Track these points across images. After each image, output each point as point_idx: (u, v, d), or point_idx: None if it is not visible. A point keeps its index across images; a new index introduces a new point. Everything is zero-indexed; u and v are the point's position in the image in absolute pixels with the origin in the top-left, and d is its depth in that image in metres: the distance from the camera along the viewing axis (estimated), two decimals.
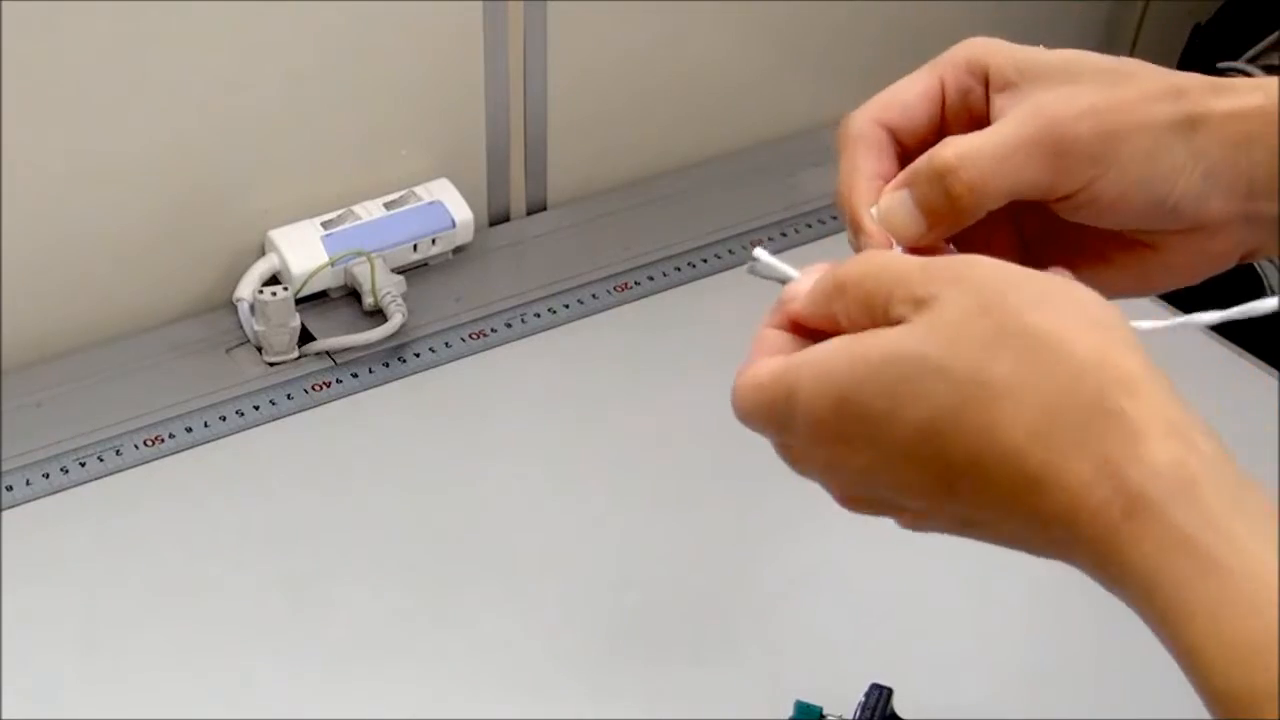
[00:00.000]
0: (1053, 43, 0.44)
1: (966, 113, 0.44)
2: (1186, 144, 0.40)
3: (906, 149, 0.45)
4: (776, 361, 0.39)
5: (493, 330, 0.84)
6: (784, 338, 0.41)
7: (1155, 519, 0.32)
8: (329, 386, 0.79)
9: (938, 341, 0.36)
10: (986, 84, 0.44)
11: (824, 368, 0.37)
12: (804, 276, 0.41)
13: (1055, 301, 0.36)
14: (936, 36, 1.17)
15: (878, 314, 0.37)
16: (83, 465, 0.73)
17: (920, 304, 0.36)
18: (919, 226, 0.42)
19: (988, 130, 0.41)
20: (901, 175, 0.42)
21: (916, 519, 0.39)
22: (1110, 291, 0.43)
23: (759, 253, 0.44)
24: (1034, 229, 0.46)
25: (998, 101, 0.43)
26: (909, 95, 0.45)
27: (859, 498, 0.40)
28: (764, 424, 0.40)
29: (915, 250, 0.42)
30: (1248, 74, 1.09)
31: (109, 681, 0.63)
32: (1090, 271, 0.43)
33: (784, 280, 0.42)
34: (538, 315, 0.85)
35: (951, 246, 0.44)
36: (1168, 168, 0.40)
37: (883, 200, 0.43)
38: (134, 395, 0.77)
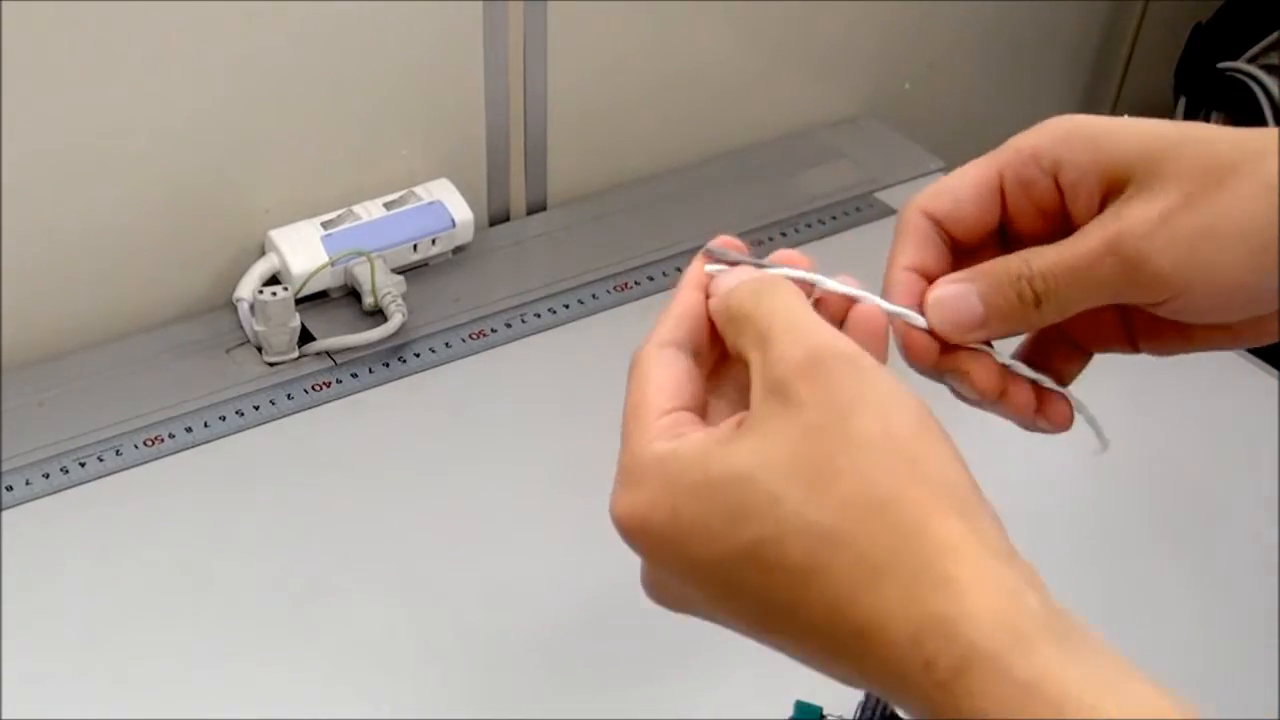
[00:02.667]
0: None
1: (1032, 206, 0.42)
2: None
3: (957, 240, 0.43)
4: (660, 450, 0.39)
5: (493, 330, 0.84)
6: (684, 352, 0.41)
7: (991, 671, 0.31)
8: (329, 386, 0.79)
9: (775, 466, 0.35)
10: (1055, 178, 0.42)
11: (676, 468, 0.37)
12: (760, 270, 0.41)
13: (894, 448, 0.34)
14: (937, 36, 1.18)
15: (741, 356, 0.38)
16: (83, 465, 0.73)
17: (772, 392, 0.36)
18: (975, 320, 0.41)
19: (1066, 248, 0.40)
20: (968, 270, 0.41)
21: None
22: (1217, 347, 0.42)
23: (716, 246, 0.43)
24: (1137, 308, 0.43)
25: (1077, 202, 0.41)
26: (960, 185, 0.43)
27: (666, 596, 0.40)
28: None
29: (955, 347, 0.41)
30: (1248, 74, 1.09)
31: (109, 681, 0.63)
32: (1209, 337, 0.42)
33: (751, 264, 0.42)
34: (538, 315, 0.85)
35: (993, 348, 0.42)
36: (1267, 268, 0.38)
37: (940, 289, 0.41)
38: (134, 395, 0.77)
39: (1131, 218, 0.39)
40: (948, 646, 0.32)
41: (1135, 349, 0.44)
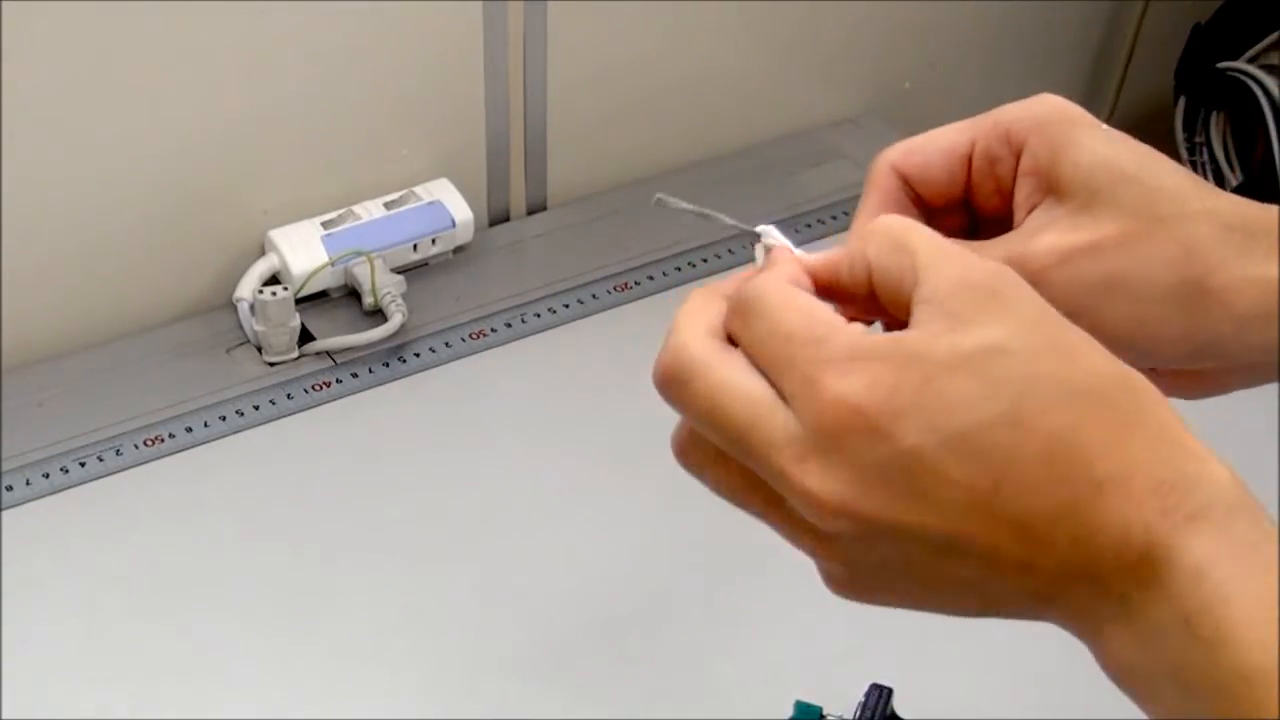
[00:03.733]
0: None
1: (993, 180, 0.43)
2: (1184, 316, 0.40)
3: (924, 200, 0.44)
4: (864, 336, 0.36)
5: (493, 330, 0.84)
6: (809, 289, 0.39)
7: (1219, 523, 0.33)
8: (329, 386, 0.79)
9: (1023, 338, 0.35)
10: (1017, 158, 0.42)
11: (914, 347, 0.35)
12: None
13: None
14: (938, 36, 1.18)
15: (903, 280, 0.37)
16: (83, 465, 0.73)
17: (973, 291, 0.36)
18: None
19: (975, 249, 0.40)
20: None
21: (878, 548, 0.37)
22: (1189, 394, 0.44)
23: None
24: None
25: (1019, 193, 0.42)
26: (933, 149, 0.43)
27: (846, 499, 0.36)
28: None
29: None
30: (1248, 74, 1.09)
31: (109, 681, 0.63)
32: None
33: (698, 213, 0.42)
34: (538, 315, 0.85)
35: None
36: (1156, 336, 0.40)
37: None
38: (134, 395, 0.77)
39: (1042, 244, 0.40)
40: (1185, 499, 0.33)
41: None
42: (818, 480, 0.36)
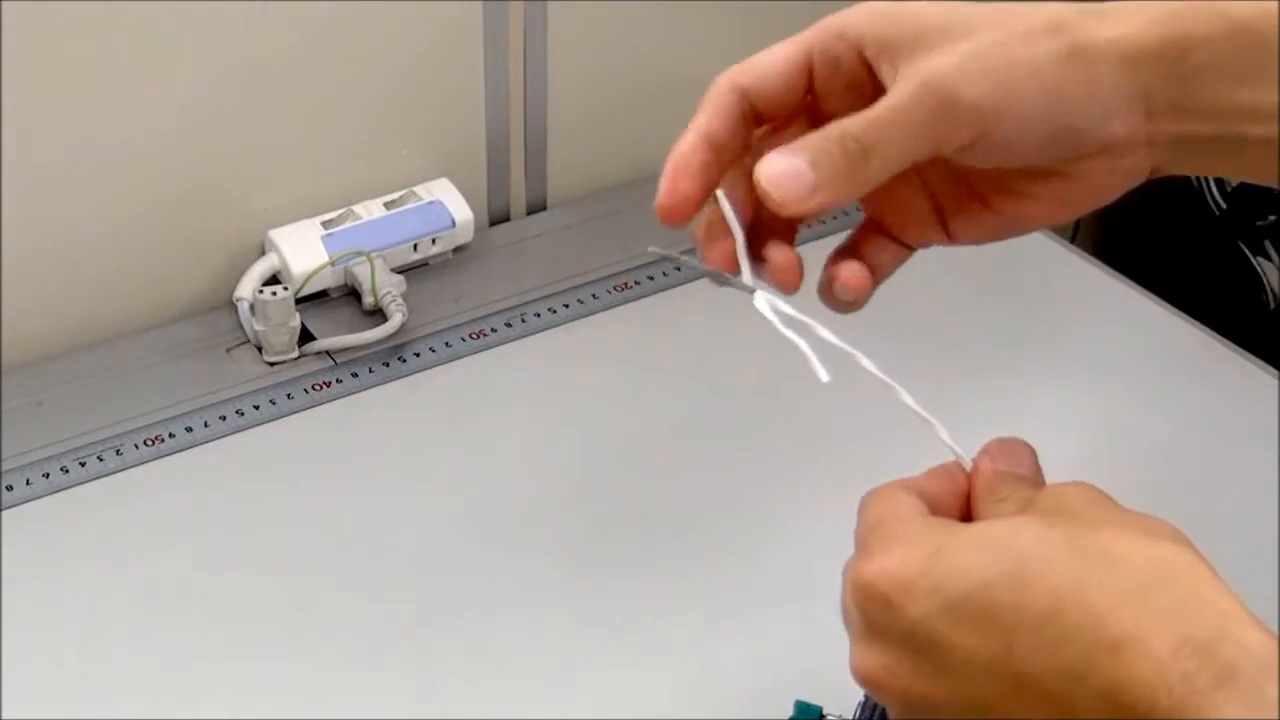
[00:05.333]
0: None
1: (841, 82, 0.44)
2: (1075, 74, 0.41)
3: (765, 116, 0.45)
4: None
5: (493, 330, 0.84)
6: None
7: (1248, 689, 0.32)
8: (329, 386, 0.79)
9: (1038, 529, 0.37)
10: (860, 53, 0.44)
11: (935, 525, 0.39)
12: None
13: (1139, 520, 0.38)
14: None
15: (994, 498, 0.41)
16: (83, 465, 0.73)
17: (1027, 503, 0.39)
18: (808, 187, 0.41)
19: (882, 102, 0.41)
20: (791, 144, 0.42)
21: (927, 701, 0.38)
22: (1035, 222, 0.45)
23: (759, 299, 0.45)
24: (940, 178, 0.46)
25: (883, 69, 0.43)
26: (769, 61, 0.45)
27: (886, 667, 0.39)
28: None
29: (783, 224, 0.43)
30: None
31: (109, 681, 0.63)
32: (1009, 205, 0.44)
33: (747, 290, 0.43)
34: (538, 315, 0.85)
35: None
36: (1061, 101, 0.41)
37: (768, 163, 0.42)
38: (134, 395, 0.77)
39: (939, 61, 0.41)
40: (1209, 663, 0.33)
41: (949, 236, 0.46)
42: (857, 656, 0.39)
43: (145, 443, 0.74)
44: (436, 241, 0.86)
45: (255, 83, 0.80)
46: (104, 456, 0.73)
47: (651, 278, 0.88)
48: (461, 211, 0.87)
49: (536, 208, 0.97)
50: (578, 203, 0.97)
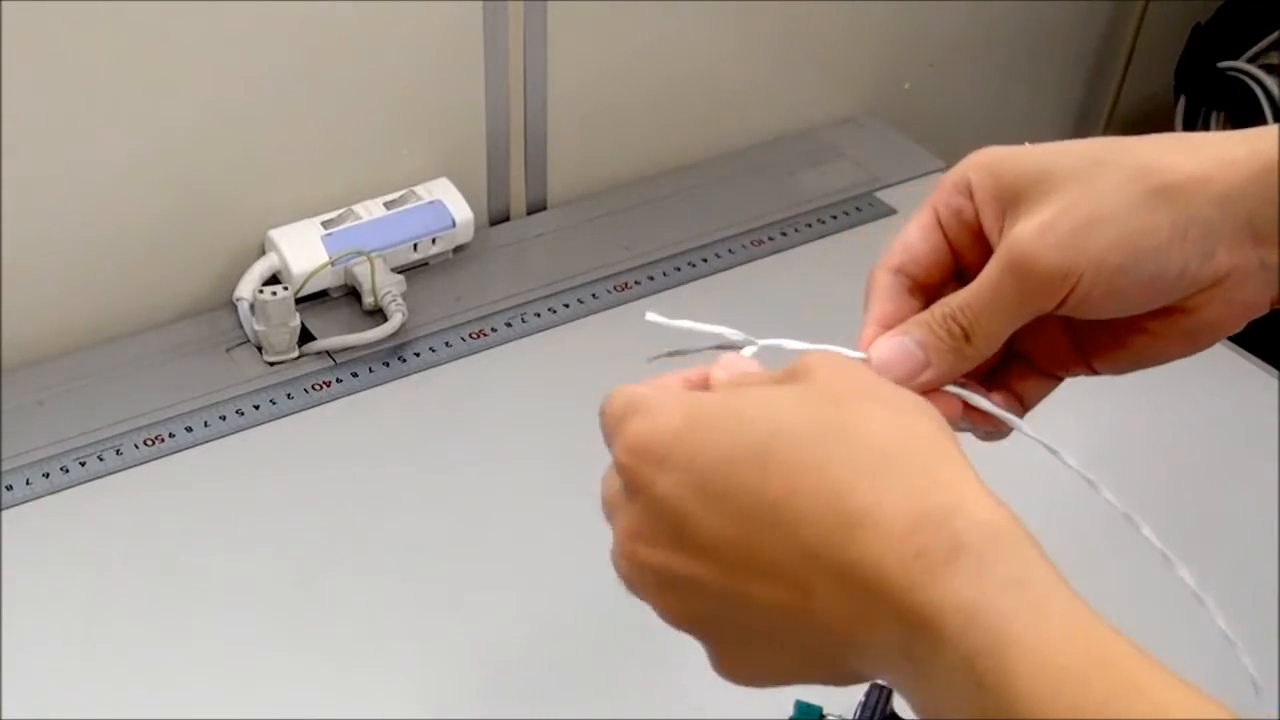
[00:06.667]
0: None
1: (967, 233, 0.45)
2: (1160, 218, 0.40)
3: (925, 286, 0.46)
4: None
5: (493, 330, 0.84)
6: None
7: (975, 563, 0.33)
8: (329, 386, 0.79)
9: (792, 396, 0.37)
10: (973, 198, 0.44)
11: (696, 398, 0.39)
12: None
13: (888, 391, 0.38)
14: (937, 36, 1.17)
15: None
16: (83, 465, 0.73)
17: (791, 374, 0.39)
18: (919, 365, 0.43)
19: (978, 278, 0.42)
20: (903, 324, 0.44)
21: (681, 596, 0.39)
22: (1167, 355, 0.44)
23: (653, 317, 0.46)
24: (1076, 319, 0.46)
25: (988, 225, 0.44)
26: (908, 230, 0.46)
27: (634, 533, 0.39)
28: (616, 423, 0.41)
29: (928, 390, 0.43)
30: (1248, 74, 1.09)
31: (109, 681, 0.63)
32: (1138, 342, 0.44)
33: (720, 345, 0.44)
34: (538, 315, 0.85)
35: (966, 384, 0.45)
36: (1150, 244, 0.40)
37: (879, 345, 0.44)
38: (134, 395, 0.77)
39: (1020, 231, 0.41)
40: (940, 538, 0.33)
41: (1091, 369, 0.46)
42: (619, 522, 0.40)
43: (145, 443, 0.74)
44: (436, 241, 0.86)
45: (255, 83, 0.80)
46: (104, 456, 0.73)
47: (651, 278, 0.88)
48: (461, 211, 0.87)
49: (536, 208, 0.97)
50: (578, 203, 0.97)
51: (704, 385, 0.42)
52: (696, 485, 0.36)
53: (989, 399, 0.44)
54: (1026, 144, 0.44)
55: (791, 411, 0.36)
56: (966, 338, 0.42)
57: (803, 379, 0.38)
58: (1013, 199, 0.42)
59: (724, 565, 0.36)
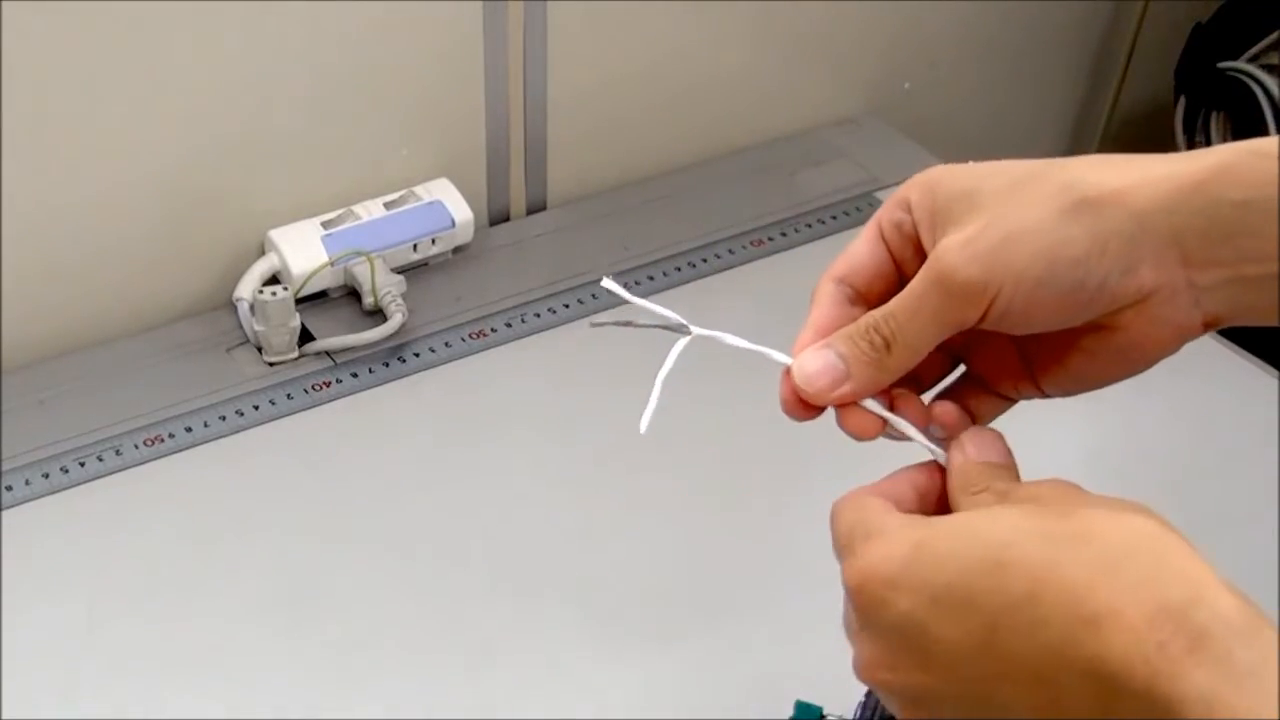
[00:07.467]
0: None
1: (909, 247, 0.45)
2: (1080, 230, 0.41)
3: (869, 299, 0.46)
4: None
5: (493, 330, 0.84)
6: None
7: (1219, 653, 0.33)
8: (329, 386, 0.79)
9: (1015, 517, 0.38)
10: (912, 214, 0.45)
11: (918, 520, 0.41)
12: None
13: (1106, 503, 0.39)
14: (937, 36, 1.18)
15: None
16: (83, 465, 0.73)
17: (1003, 494, 0.41)
18: (840, 377, 0.44)
19: (903, 290, 0.43)
20: (832, 336, 0.45)
21: (932, 709, 0.39)
22: (1104, 378, 0.45)
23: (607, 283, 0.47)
24: (1022, 337, 0.46)
25: (924, 240, 0.44)
26: (855, 247, 0.47)
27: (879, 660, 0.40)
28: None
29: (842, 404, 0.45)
30: (1248, 74, 1.09)
31: (109, 681, 0.63)
32: (1077, 362, 0.44)
33: (666, 327, 0.46)
34: (538, 315, 0.85)
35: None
36: (1069, 255, 0.41)
37: (802, 359, 0.44)
38: (134, 395, 0.77)
39: (945, 245, 0.42)
40: (1182, 629, 0.34)
41: (1040, 389, 0.47)
42: (856, 655, 0.41)
43: (145, 443, 0.74)
44: (436, 241, 0.86)
45: (255, 83, 0.80)
46: (104, 456, 0.73)
47: (651, 278, 0.88)
48: (461, 212, 0.87)
49: (536, 208, 0.97)
50: (578, 203, 0.97)
51: (933, 479, 0.44)
52: (932, 598, 0.38)
53: (907, 418, 0.45)
54: (970, 162, 0.44)
55: (1021, 521, 0.38)
56: (887, 347, 0.43)
57: (1027, 500, 0.40)
58: (944, 215, 0.43)
59: (971, 675, 0.37)
